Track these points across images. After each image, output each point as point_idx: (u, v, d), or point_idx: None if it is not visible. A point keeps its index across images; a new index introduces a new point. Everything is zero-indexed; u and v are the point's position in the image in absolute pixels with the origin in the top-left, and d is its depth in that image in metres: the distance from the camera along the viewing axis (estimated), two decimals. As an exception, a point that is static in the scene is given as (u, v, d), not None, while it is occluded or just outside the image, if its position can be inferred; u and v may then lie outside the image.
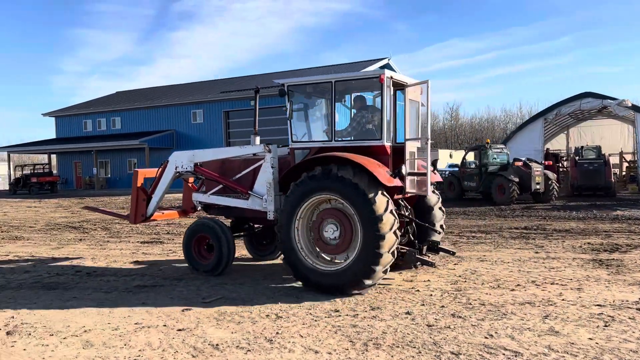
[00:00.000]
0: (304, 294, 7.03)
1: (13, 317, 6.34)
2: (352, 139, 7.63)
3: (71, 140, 44.90)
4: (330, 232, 6.96)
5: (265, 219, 8.09)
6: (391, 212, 6.63)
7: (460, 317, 5.88)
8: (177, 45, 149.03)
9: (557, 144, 34.87)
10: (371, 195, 6.53)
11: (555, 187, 20.51)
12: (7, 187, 46.36)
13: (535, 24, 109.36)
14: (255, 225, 9.35)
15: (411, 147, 7.41)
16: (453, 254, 8.58)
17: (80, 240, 13.34)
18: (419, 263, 7.54)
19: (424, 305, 6.42)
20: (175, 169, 8.87)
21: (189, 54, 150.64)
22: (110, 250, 11.54)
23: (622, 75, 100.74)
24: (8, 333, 5.73)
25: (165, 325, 5.87)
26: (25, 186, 39.32)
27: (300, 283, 7.39)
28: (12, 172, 44.60)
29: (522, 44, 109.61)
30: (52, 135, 49.29)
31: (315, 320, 5.90)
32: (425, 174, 7.35)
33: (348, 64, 41.67)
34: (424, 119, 7.68)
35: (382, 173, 6.75)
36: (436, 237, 8.33)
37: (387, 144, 7.21)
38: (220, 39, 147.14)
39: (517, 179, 19.61)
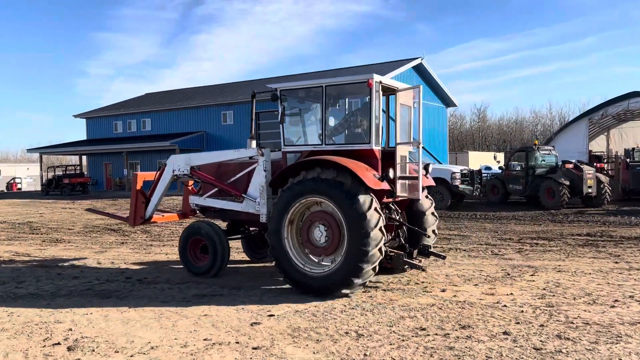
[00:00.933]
0: (385, 310, 6.45)
1: (71, 330, 5.89)
2: (342, 142, 7.74)
3: (102, 141, 45.12)
4: (319, 234, 7.08)
5: (259, 222, 8.16)
6: (375, 209, 6.73)
7: (568, 339, 5.22)
8: (199, 48, 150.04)
9: (597, 146, 33.63)
10: (355, 194, 6.68)
11: (608, 190, 19.53)
12: (39, 188, 46.80)
13: (558, 24, 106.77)
14: (251, 228, 9.42)
15: (402, 151, 7.55)
16: (443, 257, 8.52)
17: (122, 243, 12.98)
18: (407, 267, 7.69)
19: (519, 323, 5.77)
20: (173, 172, 9.15)
21: (212, 56, 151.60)
22: (155, 255, 11.13)
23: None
24: (69, 349, 5.27)
25: (237, 343, 5.35)
26: (58, 187, 39.52)
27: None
28: (44, 173, 45.01)
29: (546, 45, 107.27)
30: (82, 136, 49.69)
31: (403, 340, 5.30)
32: (416, 178, 7.48)
33: (379, 64, 40.97)
34: (416, 123, 7.76)
35: (368, 176, 6.85)
36: (427, 241, 8.38)
37: (376, 148, 7.29)
38: (242, 41, 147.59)
39: (567, 182, 18.72)
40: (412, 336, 5.43)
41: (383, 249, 6.86)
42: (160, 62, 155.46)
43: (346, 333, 5.57)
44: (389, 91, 7.88)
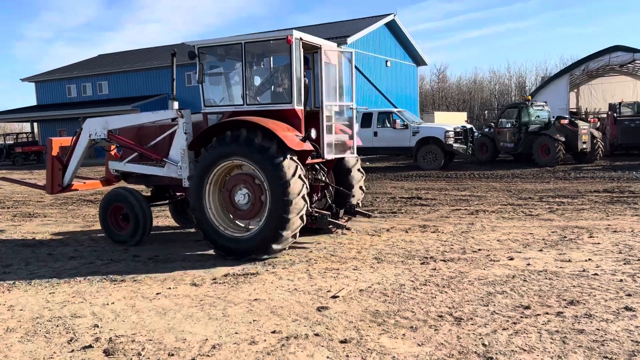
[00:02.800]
0: (462, 284, 5.59)
1: (98, 327, 4.75)
2: (264, 102, 7.61)
3: (54, 107, 42.08)
4: (242, 197, 6.94)
5: (182, 187, 7.88)
6: (300, 177, 6.64)
7: None
8: (145, 9, 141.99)
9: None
10: (279, 159, 6.54)
11: (601, 146, 19.29)
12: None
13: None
14: (178, 193, 9.10)
15: (328, 111, 7.41)
16: (369, 216, 8.72)
17: (108, 215, 11.60)
18: (331, 226, 7.68)
19: (630, 295, 5.02)
20: (89, 136, 8.64)
21: (158, 18, 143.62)
22: (163, 230, 9.88)
23: (597, 36, 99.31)
24: (107, 353, 4.17)
25: (317, 335, 4.36)
26: (9, 157, 36.77)
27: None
28: (-9, 142, 41.80)
29: (496, 6, 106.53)
30: (32, 102, 46.30)
31: (515, 323, 4.45)
32: (344, 138, 7.76)
33: (350, 20, 39.47)
34: (349, 87, 7.84)
35: (289, 137, 6.72)
36: (353, 200, 8.51)
37: (298, 108, 7.16)
38: (190, 2, 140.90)
39: (562, 138, 18.31)
40: (521, 317, 4.58)
41: (305, 216, 6.79)
42: (103, 24, 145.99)
43: (440, 317, 4.68)
44: (313, 49, 7.70)
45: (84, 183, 9.43)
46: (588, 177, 15.05)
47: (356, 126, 8.16)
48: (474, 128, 21.84)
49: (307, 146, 6.97)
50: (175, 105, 7.97)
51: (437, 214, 10.12)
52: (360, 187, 8.70)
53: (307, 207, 6.84)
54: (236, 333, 4.49)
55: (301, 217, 6.74)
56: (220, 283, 5.98)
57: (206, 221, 7.11)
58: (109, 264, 7.12)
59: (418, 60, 42.76)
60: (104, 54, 51.02)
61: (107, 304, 5.40)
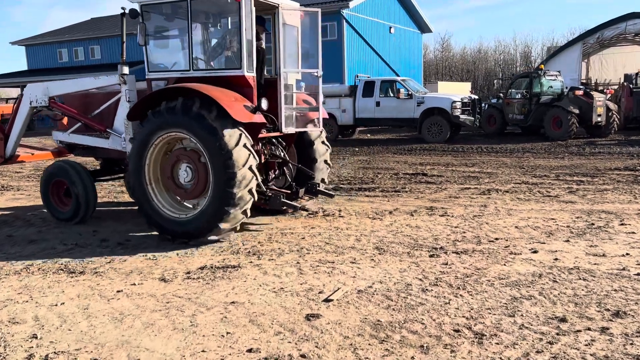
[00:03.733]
0: (480, 285, 4.69)
1: (36, 338, 3.87)
2: (213, 68, 6.86)
3: (45, 72, 40.66)
4: (184, 174, 6.31)
5: None
6: (245, 146, 6.00)
7: None
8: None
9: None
10: (220, 129, 5.87)
11: (616, 119, 18.21)
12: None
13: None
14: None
15: (286, 79, 6.76)
16: (332, 196, 7.93)
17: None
18: (284, 207, 7.00)
19: (688, 305, 4.13)
20: (30, 103, 7.81)
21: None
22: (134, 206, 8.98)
23: (608, 5, 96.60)
24: (37, 380, 3.28)
25: (303, 357, 3.48)
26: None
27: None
28: (-19, 107, 40.56)
29: None
30: (22, 66, 44.85)
31: (551, 343, 3.56)
32: (307, 109, 7.12)
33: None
34: (315, 51, 7.01)
35: (235, 107, 6.00)
36: (318, 177, 7.75)
37: (249, 74, 6.42)
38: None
39: (576, 111, 17.23)
40: (557, 334, 3.70)
41: (255, 190, 6.15)
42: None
43: (456, 331, 3.79)
44: (271, 9, 6.93)
45: (32, 154, 8.58)
46: (605, 153, 14.05)
47: (321, 97, 7.22)
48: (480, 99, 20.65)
49: (258, 118, 6.21)
50: (125, 70, 7.04)
51: (445, 193, 9.18)
52: (325, 162, 7.86)
53: (257, 180, 6.16)
54: (203, 351, 3.61)
55: (250, 191, 6.04)
56: (193, 278, 5.08)
57: (148, 202, 6.42)
58: (72, 250, 6.22)
59: (423, 28, 41.13)
60: (97, 17, 49.28)
61: (56, 305, 4.51)
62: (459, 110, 17.61)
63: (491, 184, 9.87)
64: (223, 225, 6.02)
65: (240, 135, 5.97)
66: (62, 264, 5.65)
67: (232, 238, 6.47)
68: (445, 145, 17.06)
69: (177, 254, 5.90)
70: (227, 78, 6.40)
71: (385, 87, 19.17)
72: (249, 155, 6.00)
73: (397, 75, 25.80)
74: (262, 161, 7.01)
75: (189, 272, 5.25)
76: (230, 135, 5.88)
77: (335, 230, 6.74)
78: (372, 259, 5.50)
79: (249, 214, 6.24)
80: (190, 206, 6.54)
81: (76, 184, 7.30)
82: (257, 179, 6.14)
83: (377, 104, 18.96)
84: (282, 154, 7.35)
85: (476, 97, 19.03)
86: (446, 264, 5.30)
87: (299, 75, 7.19)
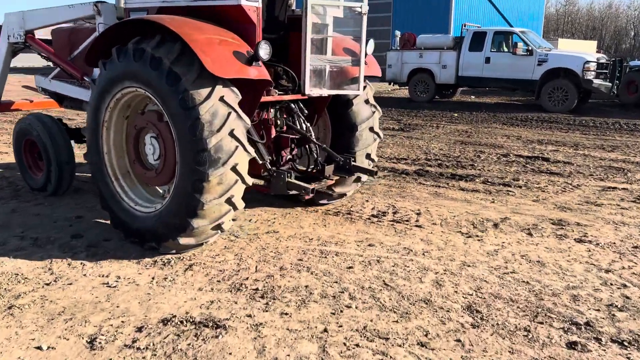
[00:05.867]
0: None
1: None
2: None
3: None
4: (150, 150, 4.39)
5: None
6: (222, 100, 3.82)
7: None
8: None
9: None
10: (182, 75, 3.76)
11: None
12: None
13: None
14: None
15: (316, 16, 4.53)
16: (374, 173, 5.16)
17: None
18: (293, 191, 4.52)
19: None
20: (8, 39, 6.17)
21: None
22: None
23: None
24: None
25: None
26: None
27: None
28: None
29: None
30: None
31: None
32: (346, 63, 4.76)
33: None
34: None
35: (214, 52, 3.79)
36: (359, 151, 5.29)
37: (250, 4, 4.16)
38: None
39: None
40: None
41: (244, 169, 3.98)
42: None
43: None
44: None
45: (31, 102, 6.97)
46: None
47: (370, 45, 4.88)
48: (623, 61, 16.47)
49: (254, 72, 3.99)
50: None
51: (578, 194, 6.36)
52: (372, 129, 5.35)
53: (247, 152, 3.98)
54: None
55: (235, 170, 3.89)
56: (140, 349, 2.96)
57: (104, 182, 4.60)
58: (24, 250, 4.36)
59: (548, -26, 35.66)
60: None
61: None
62: (593, 73, 14.00)
63: (649, 184, 6.85)
64: (183, 240, 4.06)
65: (212, 90, 3.85)
66: (-8, 278, 3.80)
67: (248, 253, 4.29)
68: (571, 116, 13.64)
69: (151, 281, 3.81)
70: (222, 10, 4.27)
71: (498, 40, 15.86)
72: (229, 114, 3.86)
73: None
74: (273, 136, 4.87)
75: (140, 329, 3.15)
76: (198, 93, 3.81)
77: (404, 255, 4.33)
78: (458, 340, 3.07)
79: (225, 227, 4.13)
80: (161, 192, 4.66)
81: (46, 145, 5.65)
82: (245, 150, 3.95)
83: (487, 60, 15.72)
84: (303, 125, 5.05)
85: (618, 58, 15.12)
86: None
87: (340, 11, 4.73)
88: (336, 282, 3.80)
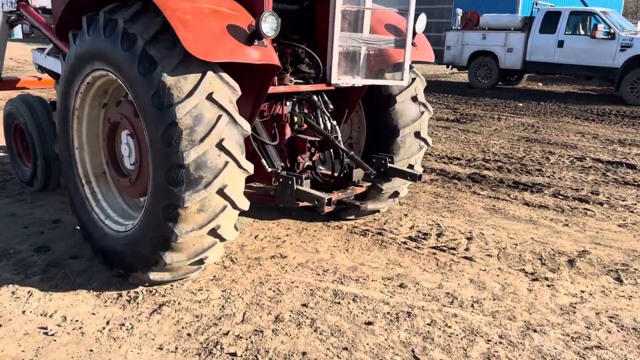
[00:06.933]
0: None
1: None
2: None
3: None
4: (126, 150, 3.40)
5: None
6: (210, 98, 2.83)
7: None
8: None
9: None
10: (160, 61, 2.80)
11: None
12: None
13: None
14: None
15: None
16: (417, 178, 3.89)
17: None
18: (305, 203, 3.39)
19: None
20: (2, 7, 5.32)
21: None
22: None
23: None
24: None
25: None
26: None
27: None
28: None
29: None
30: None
31: None
32: (389, 45, 3.68)
33: None
34: None
35: (200, 27, 2.78)
36: (398, 153, 4.06)
37: None
38: None
39: None
40: None
41: (238, 193, 2.96)
42: None
43: None
44: None
45: (40, 79, 6.09)
46: None
47: (421, 21, 3.78)
48: None
49: (256, 54, 2.92)
50: None
51: (679, 218, 4.99)
52: (418, 135, 4.15)
53: (243, 168, 2.97)
54: None
55: (223, 195, 2.92)
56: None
57: (73, 183, 3.71)
58: (-26, 267, 3.56)
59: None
60: None
61: None
62: None
63: None
64: (152, 274, 3.12)
65: (203, 76, 2.84)
66: None
67: (239, 289, 3.30)
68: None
69: (103, 328, 2.90)
70: None
71: (574, 22, 14.08)
72: (218, 117, 2.84)
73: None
74: (288, 137, 3.80)
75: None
76: (182, 75, 2.80)
77: (445, 305, 3.22)
78: None
79: (231, 237, 3.11)
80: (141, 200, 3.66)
81: (32, 134, 4.86)
82: (240, 166, 2.95)
83: (560, 43, 13.97)
84: (328, 124, 3.90)
85: None
86: None
87: None
88: (346, 349, 2.75)
